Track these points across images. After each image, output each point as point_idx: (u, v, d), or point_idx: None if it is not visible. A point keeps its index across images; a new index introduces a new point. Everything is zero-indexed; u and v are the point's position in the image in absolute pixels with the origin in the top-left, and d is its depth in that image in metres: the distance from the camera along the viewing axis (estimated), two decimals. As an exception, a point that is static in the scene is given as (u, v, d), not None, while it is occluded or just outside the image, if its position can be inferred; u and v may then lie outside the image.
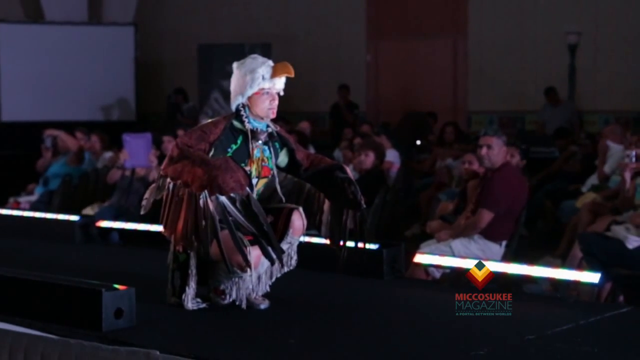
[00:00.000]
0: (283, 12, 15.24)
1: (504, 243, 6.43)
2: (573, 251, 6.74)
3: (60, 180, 10.02)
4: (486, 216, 6.33)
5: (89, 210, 8.95)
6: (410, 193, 9.92)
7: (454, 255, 6.18)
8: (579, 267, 6.23)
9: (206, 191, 4.35)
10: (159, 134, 9.99)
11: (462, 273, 5.85)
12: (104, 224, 7.44)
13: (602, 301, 5.81)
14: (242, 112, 4.68)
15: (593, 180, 8.66)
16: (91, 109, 15.06)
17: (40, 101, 14.70)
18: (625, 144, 8.38)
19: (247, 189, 4.38)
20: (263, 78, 4.63)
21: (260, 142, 4.71)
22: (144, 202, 4.74)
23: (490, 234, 6.38)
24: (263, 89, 4.64)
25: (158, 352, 3.48)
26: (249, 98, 4.66)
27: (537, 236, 8.96)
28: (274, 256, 4.50)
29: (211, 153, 4.56)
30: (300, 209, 4.79)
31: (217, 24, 15.73)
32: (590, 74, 12.70)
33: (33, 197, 10.24)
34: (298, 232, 4.76)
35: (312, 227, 5.05)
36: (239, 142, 4.67)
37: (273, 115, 4.71)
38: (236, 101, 4.69)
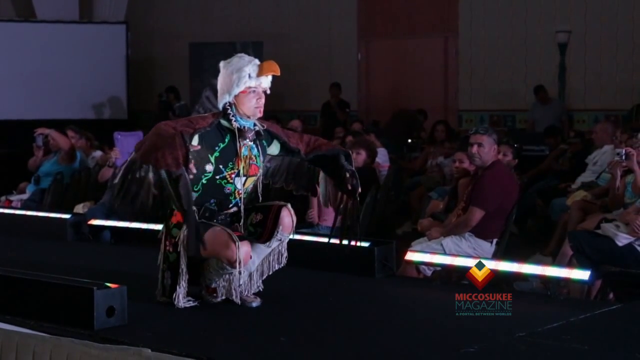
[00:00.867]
0: (275, 11, 15.23)
1: (494, 241, 6.43)
2: (563, 249, 6.74)
3: (52, 178, 9.99)
4: (477, 214, 6.34)
5: (79, 208, 8.92)
6: (401, 191, 9.93)
7: (445, 253, 6.18)
8: (569, 264, 6.24)
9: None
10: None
11: (453, 271, 5.87)
12: (96, 222, 7.42)
13: (592, 298, 5.82)
14: (229, 111, 4.69)
15: (583, 178, 8.68)
16: (82, 107, 15.02)
17: (31, 99, 14.66)
18: (615, 142, 8.40)
19: (182, 169, 4.29)
20: (249, 76, 4.64)
21: (247, 140, 4.71)
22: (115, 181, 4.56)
23: (481, 231, 6.38)
24: (249, 87, 4.65)
25: (150, 350, 3.48)
26: (236, 97, 4.67)
27: (527, 234, 8.97)
28: (192, 245, 4.44)
29: (195, 141, 4.55)
30: (289, 205, 4.80)
31: (208, 23, 15.71)
32: (580, 72, 12.73)
33: (25, 196, 10.20)
34: (288, 229, 4.76)
35: (303, 190, 5.05)
36: (226, 140, 4.67)
37: (260, 114, 4.72)
38: (223, 100, 4.70)
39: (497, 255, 6.28)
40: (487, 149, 6.46)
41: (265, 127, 4.82)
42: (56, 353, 3.59)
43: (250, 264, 4.73)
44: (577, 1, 12.78)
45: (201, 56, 14.38)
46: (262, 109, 4.71)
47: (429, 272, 6.22)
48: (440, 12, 13.97)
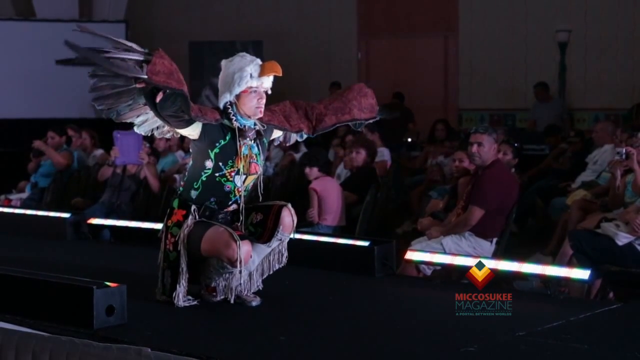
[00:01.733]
0: (274, 10, 15.22)
1: (494, 240, 6.44)
2: (563, 248, 6.75)
3: (52, 178, 10.01)
4: (477, 213, 6.34)
5: (78, 201, 8.94)
6: (402, 190, 9.93)
7: (445, 252, 6.18)
8: (569, 264, 6.24)
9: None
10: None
11: (453, 270, 5.87)
12: (95, 221, 7.42)
13: (592, 298, 5.82)
14: (230, 110, 4.69)
15: (583, 177, 8.68)
16: (82, 106, 14.95)
17: (31, 98, 14.65)
18: (616, 142, 8.40)
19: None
20: (251, 76, 4.63)
21: (248, 139, 4.71)
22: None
23: (480, 231, 6.38)
24: (251, 87, 4.64)
25: (149, 350, 3.48)
26: (237, 96, 4.66)
27: (527, 233, 8.97)
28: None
29: (197, 128, 4.57)
30: (290, 205, 4.79)
31: (208, 22, 15.70)
32: (580, 71, 12.73)
33: (24, 195, 10.21)
34: (288, 228, 4.76)
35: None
36: (227, 138, 4.67)
37: (260, 114, 4.72)
38: (224, 99, 4.69)
39: (497, 255, 6.28)
40: (487, 148, 6.46)
41: (265, 127, 4.80)
42: (56, 352, 3.59)
43: (251, 263, 4.73)
44: (577, 0, 12.78)
45: (201, 55, 14.38)
46: (262, 109, 4.70)
47: (428, 272, 6.22)
48: (440, 11, 13.97)
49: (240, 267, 4.57)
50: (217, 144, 4.65)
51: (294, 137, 5.14)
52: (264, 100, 4.70)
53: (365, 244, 5.80)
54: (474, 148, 6.48)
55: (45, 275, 4.64)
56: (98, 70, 4.39)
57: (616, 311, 4.90)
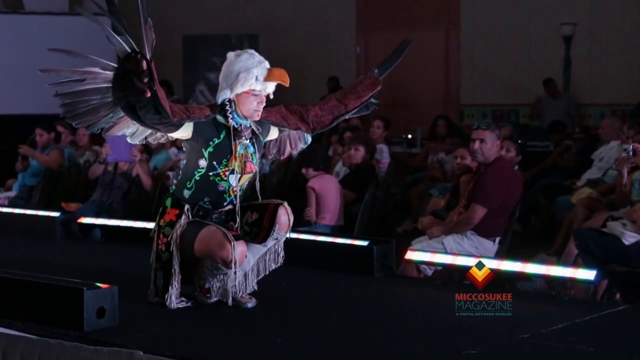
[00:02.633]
0: (270, 2, 15.21)
1: (497, 239, 6.44)
2: (568, 248, 6.75)
3: (41, 176, 9.99)
4: (479, 212, 6.34)
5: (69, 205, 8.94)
6: (402, 188, 9.94)
7: (446, 252, 6.18)
8: (575, 264, 6.24)
9: None
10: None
11: (455, 270, 5.87)
12: (86, 220, 7.42)
13: (598, 299, 5.82)
14: (227, 108, 4.68)
15: (589, 175, 8.69)
16: (72, 102, 14.98)
17: (19, 94, 14.61)
18: (622, 138, 8.40)
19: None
20: (256, 79, 4.63)
21: (243, 138, 4.70)
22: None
23: (483, 230, 6.38)
24: (254, 90, 4.64)
25: (141, 353, 3.48)
26: (237, 95, 4.66)
27: (531, 232, 8.97)
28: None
29: (189, 128, 4.55)
30: (286, 203, 4.79)
31: (202, 14, 15.69)
32: (586, 66, 12.72)
33: (12, 193, 10.20)
34: (284, 227, 4.76)
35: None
36: (221, 136, 4.66)
37: (257, 117, 4.72)
38: (223, 95, 4.68)
39: (500, 255, 6.29)
40: (489, 144, 6.46)
41: (265, 116, 4.79)
42: (45, 356, 3.59)
43: (246, 263, 4.73)
44: (582, -8, 12.79)
45: (195, 49, 14.36)
46: (260, 113, 4.71)
47: (429, 272, 6.22)
48: (441, 4, 13.96)
49: (235, 268, 4.57)
50: (211, 143, 4.64)
51: (289, 149, 5.19)
52: (263, 104, 4.71)
53: (364, 243, 5.80)
54: (476, 145, 6.48)
55: (34, 276, 4.63)
56: (60, 89, 4.38)
57: (623, 313, 4.90)
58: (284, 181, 9.73)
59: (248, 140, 4.73)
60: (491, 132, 6.50)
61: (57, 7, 15.34)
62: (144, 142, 4.86)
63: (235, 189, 4.72)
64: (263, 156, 5.20)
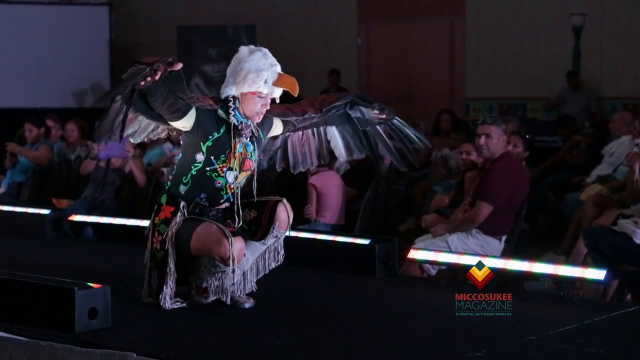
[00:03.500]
0: (268, -8, 15.22)
1: (503, 238, 6.45)
2: (577, 247, 6.76)
3: (30, 172, 10.00)
4: (485, 209, 6.35)
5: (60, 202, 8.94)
6: (404, 185, 9.95)
7: (450, 251, 6.19)
8: (584, 263, 6.25)
9: None
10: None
11: (459, 270, 5.87)
12: (77, 218, 7.42)
13: (608, 300, 5.84)
14: (231, 104, 4.70)
15: (598, 171, 8.70)
16: (63, 95, 14.99)
17: (7, 87, 14.62)
18: (634, 133, 8.41)
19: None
20: (265, 82, 4.65)
21: (244, 137, 4.72)
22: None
23: (489, 228, 6.39)
24: (260, 93, 4.66)
25: (135, 355, 3.49)
26: (242, 94, 4.68)
27: (539, 231, 8.99)
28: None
29: (192, 121, 4.58)
30: (285, 200, 4.80)
31: (197, 4, 15.67)
32: (596, 58, 12.72)
33: (0, 190, 10.21)
34: (284, 225, 4.77)
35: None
36: (221, 131, 4.68)
37: (259, 120, 4.76)
38: (228, 91, 4.71)
39: (506, 254, 6.30)
40: (495, 140, 6.47)
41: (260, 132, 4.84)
42: (35, 358, 3.60)
43: (244, 262, 4.73)
44: (593, -18, 12.79)
45: (190, 41, 14.35)
46: (262, 116, 4.74)
47: (433, 272, 6.23)
48: (445, -6, 13.98)
49: (233, 265, 4.58)
50: (210, 137, 4.66)
51: (301, 166, 5.49)
52: (267, 108, 4.75)
53: (366, 242, 5.80)
54: (482, 140, 6.49)
55: (23, 276, 4.64)
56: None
57: (634, 314, 4.91)
58: (283, 177, 9.73)
59: (248, 139, 4.75)
60: (497, 126, 6.51)
61: (44, -4, 15.36)
62: (145, 140, 4.88)
63: (232, 186, 4.73)
64: (263, 151, 5.21)
